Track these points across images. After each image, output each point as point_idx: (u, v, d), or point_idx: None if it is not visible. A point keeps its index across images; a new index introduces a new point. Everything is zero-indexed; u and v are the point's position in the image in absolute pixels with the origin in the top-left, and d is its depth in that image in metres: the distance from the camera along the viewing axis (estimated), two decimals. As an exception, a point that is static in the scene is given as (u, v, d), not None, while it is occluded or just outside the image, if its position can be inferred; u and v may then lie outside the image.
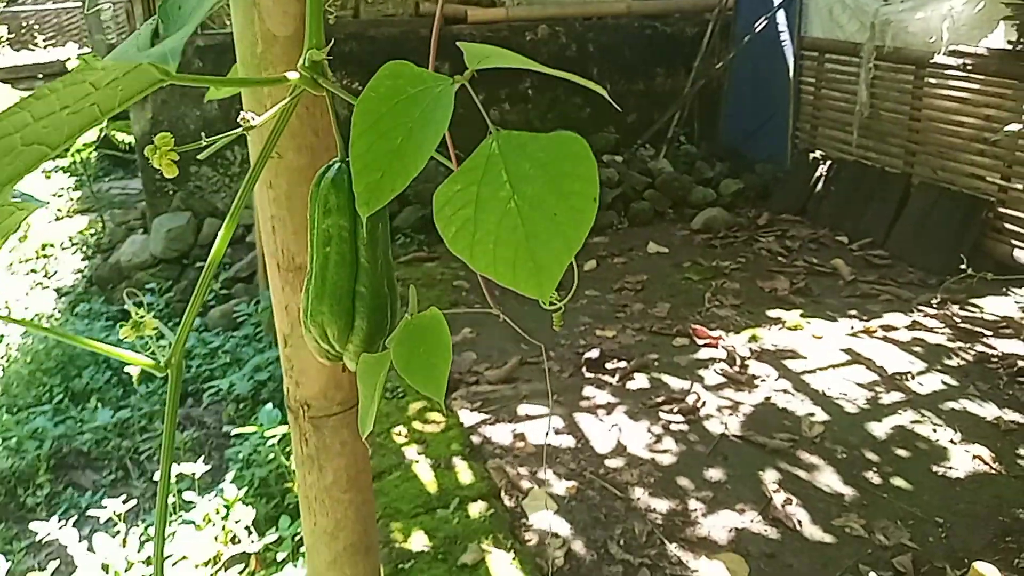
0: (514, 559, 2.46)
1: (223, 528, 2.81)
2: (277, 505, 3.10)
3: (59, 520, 2.85)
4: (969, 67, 4.69)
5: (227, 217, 0.81)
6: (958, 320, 4.05)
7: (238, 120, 0.76)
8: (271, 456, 3.17)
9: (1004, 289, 4.37)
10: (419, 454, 3.02)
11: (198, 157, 2.25)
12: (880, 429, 3.19)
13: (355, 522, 1.43)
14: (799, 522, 2.68)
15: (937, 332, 3.96)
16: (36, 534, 2.81)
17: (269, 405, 3.29)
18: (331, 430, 1.34)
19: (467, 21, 6.13)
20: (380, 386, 0.76)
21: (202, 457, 3.43)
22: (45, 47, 11.13)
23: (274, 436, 3.13)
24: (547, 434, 3.19)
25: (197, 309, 0.94)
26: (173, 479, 2.86)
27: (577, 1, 6.60)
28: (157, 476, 2.90)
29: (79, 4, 10.98)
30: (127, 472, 3.52)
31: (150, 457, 3.58)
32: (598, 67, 6.50)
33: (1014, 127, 4.42)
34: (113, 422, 3.64)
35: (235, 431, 3.38)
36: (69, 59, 7.01)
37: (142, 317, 1.01)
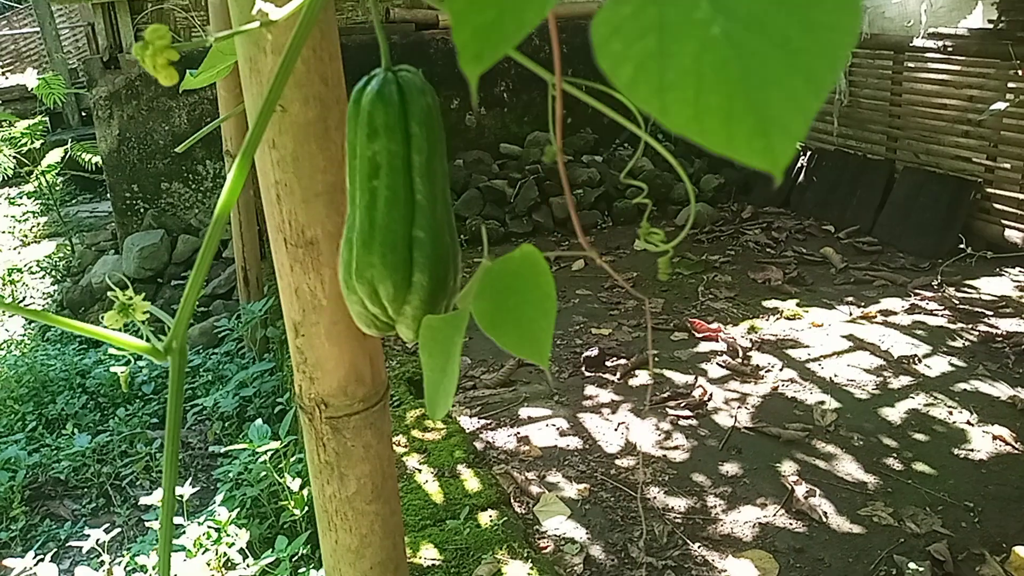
0: (532, 568, 2.32)
1: (216, 553, 2.64)
2: (272, 525, 2.93)
3: (36, 554, 2.66)
4: (949, 49, 4.65)
5: (228, 182, 0.67)
6: (956, 302, 3.98)
7: (252, 14, 0.62)
8: (263, 474, 3.00)
9: (997, 269, 4.32)
10: (421, 464, 2.87)
11: (176, 151, 2.08)
12: (894, 414, 3.09)
13: (383, 537, 1.28)
14: (824, 514, 2.57)
15: (937, 314, 3.88)
16: (11, 571, 2.62)
17: (258, 421, 3.12)
18: (353, 432, 1.19)
19: (439, 26, 6.01)
20: (455, 355, 0.61)
21: (189, 479, 3.25)
22: (4, 74, 10.85)
23: (265, 453, 2.97)
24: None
25: (201, 282, 0.80)
26: (158, 503, 2.68)
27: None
28: (142, 501, 2.73)
29: (37, 30, 10.72)
30: (108, 499, 3.33)
31: (133, 482, 3.39)
32: (573, 68, 6.38)
33: (999, 106, 4.38)
34: (91, 447, 3.44)
35: (223, 450, 3.20)
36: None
37: (130, 299, 0.87)
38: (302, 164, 1.05)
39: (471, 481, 2.74)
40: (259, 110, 0.70)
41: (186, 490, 2.85)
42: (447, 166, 0.73)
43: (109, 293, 0.87)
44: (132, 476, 3.40)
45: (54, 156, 6.14)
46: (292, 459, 2.94)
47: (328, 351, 1.12)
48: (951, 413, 3.08)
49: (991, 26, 4.47)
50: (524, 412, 3.26)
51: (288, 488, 2.83)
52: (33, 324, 4.95)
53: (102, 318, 0.89)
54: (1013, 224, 4.44)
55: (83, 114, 9.30)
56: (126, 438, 3.58)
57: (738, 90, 0.36)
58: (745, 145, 0.37)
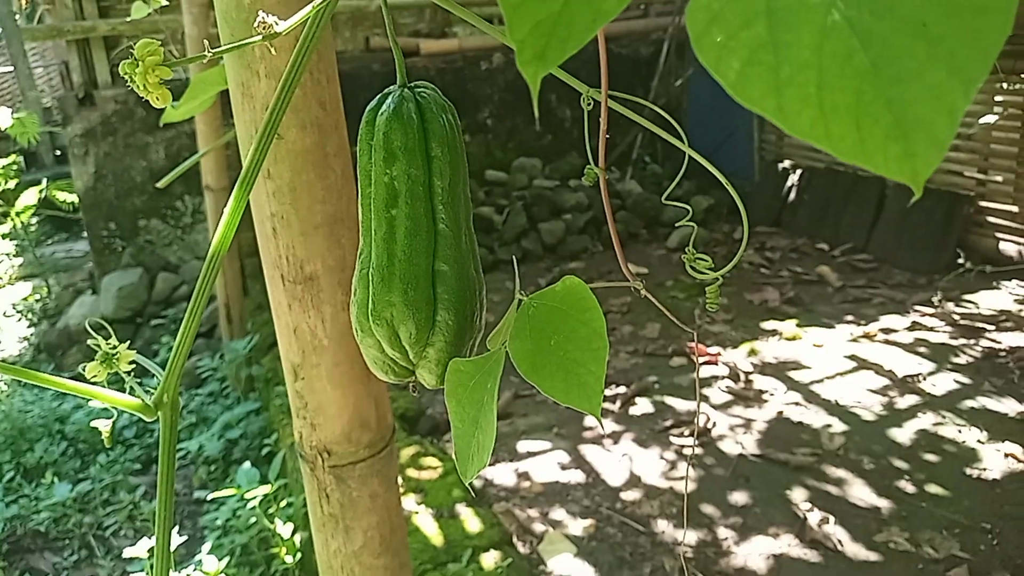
0: (540, 612, 2.20)
1: (206, 606, 2.50)
2: (263, 574, 2.79)
3: (17, 614, 2.51)
4: (935, 63, 4.64)
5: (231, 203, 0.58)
6: (957, 317, 3.92)
7: (255, 27, 0.53)
8: (252, 520, 2.87)
9: (995, 283, 4.28)
10: (418, 504, 2.75)
11: (158, 186, 1.96)
12: (903, 435, 3.01)
13: (391, 592, 1.18)
14: (839, 542, 2.47)
15: (938, 331, 3.82)
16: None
17: (247, 464, 2.99)
18: (358, 481, 1.09)
19: (419, 53, 5.96)
20: (491, 404, 0.52)
21: (175, 528, 3.11)
22: (-25, 113, 10.70)
23: (254, 498, 2.84)
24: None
25: (195, 328, 0.71)
26: (144, 553, 2.55)
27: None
28: (127, 552, 2.59)
29: (11, 69, 10.61)
30: (91, 551, 3.18)
31: (116, 532, 3.24)
32: (556, 93, 6.37)
33: (989, 119, 4.36)
34: (72, 497, 3.30)
35: (209, 496, 3.07)
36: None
37: (114, 348, 0.77)
38: (300, 194, 0.96)
39: (471, 521, 2.62)
40: (257, 136, 0.61)
41: (172, 539, 2.72)
42: (469, 190, 0.64)
43: (90, 342, 0.77)
44: (115, 526, 3.26)
45: (29, 197, 6.01)
46: (282, 503, 2.82)
47: (330, 395, 1.02)
48: (960, 431, 3.00)
49: (975, 40, 4.46)
50: (523, 446, 3.16)
51: (279, 534, 2.71)
52: (9, 369, 4.79)
53: (83, 368, 0.79)
54: (1008, 237, 4.40)
55: (58, 153, 9.17)
56: (108, 486, 3.44)
57: (868, 86, 0.30)
58: (880, 151, 0.31)
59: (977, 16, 0.28)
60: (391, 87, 0.60)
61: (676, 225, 4.75)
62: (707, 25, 0.31)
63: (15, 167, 6.22)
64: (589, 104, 0.67)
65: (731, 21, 0.31)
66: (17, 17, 9.02)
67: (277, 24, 0.52)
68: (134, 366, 0.78)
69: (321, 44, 0.96)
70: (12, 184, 6.08)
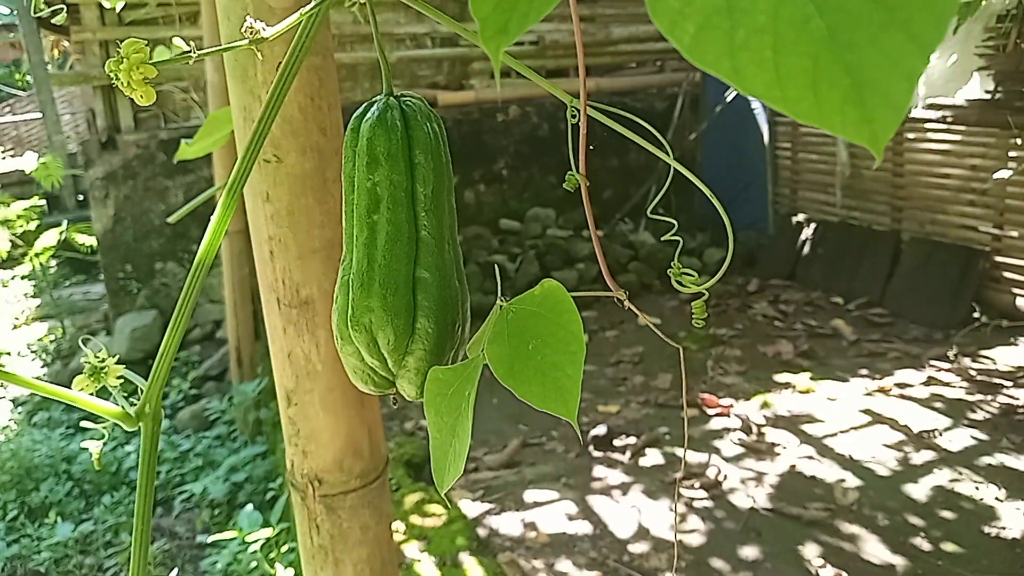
0: (542, 665, 2.14)
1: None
2: (262, 621, 2.74)
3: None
4: (949, 119, 4.65)
5: (219, 207, 0.58)
6: (973, 373, 3.86)
7: (241, 31, 0.53)
8: (253, 564, 2.83)
9: (1012, 339, 4.22)
10: (421, 551, 2.70)
11: (168, 221, 1.97)
12: (918, 491, 2.94)
13: (381, 629, 1.14)
14: (853, 600, 2.40)
15: (954, 386, 3.76)
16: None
17: (249, 507, 2.96)
18: (349, 512, 1.06)
19: (437, 105, 6.05)
20: (468, 411, 0.50)
21: (175, 571, 3.07)
22: (4, 158, 10.95)
23: (256, 541, 2.80)
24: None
25: (179, 338, 0.70)
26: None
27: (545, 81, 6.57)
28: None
29: (39, 116, 10.86)
30: (90, 594, 3.14)
31: (116, 574, 3.20)
32: (570, 146, 6.42)
33: (1003, 174, 4.34)
34: (74, 537, 3.27)
35: (211, 538, 3.03)
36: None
37: (102, 361, 0.76)
38: (298, 218, 0.96)
39: (474, 571, 2.57)
40: (245, 145, 0.61)
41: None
42: (454, 201, 0.63)
43: (83, 359, 0.77)
44: (116, 567, 3.22)
45: (49, 238, 6.08)
46: (283, 548, 2.77)
47: (323, 421, 1.01)
48: (978, 488, 2.93)
49: (989, 96, 4.47)
50: (530, 495, 3.11)
51: (280, 580, 2.66)
52: (20, 409, 4.80)
53: (80, 343, 0.78)
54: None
55: (80, 197, 9.32)
56: (111, 527, 3.40)
57: (825, 51, 0.30)
58: (837, 115, 0.30)
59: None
60: (378, 96, 0.60)
61: (662, 239, 4.74)
62: (663, -9, 0.30)
63: (37, 209, 6.31)
64: (574, 116, 0.67)
65: (686, -12, 0.29)
66: (49, 66, 9.27)
67: (264, 30, 0.52)
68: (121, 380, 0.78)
69: (323, 72, 0.97)
70: (33, 226, 6.17)
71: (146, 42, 0.49)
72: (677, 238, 0.75)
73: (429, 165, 0.58)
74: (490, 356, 0.50)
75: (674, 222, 0.75)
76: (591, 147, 0.70)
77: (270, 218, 0.96)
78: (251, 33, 0.52)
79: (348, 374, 0.61)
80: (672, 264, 0.64)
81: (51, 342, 5.80)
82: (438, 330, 0.57)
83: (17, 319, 6.47)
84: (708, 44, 0.30)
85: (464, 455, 0.51)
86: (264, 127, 0.59)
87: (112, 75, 0.48)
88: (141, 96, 0.48)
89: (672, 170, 0.77)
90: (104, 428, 0.85)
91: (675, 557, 2.58)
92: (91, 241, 6.06)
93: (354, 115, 0.61)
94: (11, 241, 6.12)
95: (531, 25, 0.32)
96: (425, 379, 0.56)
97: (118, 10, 4.79)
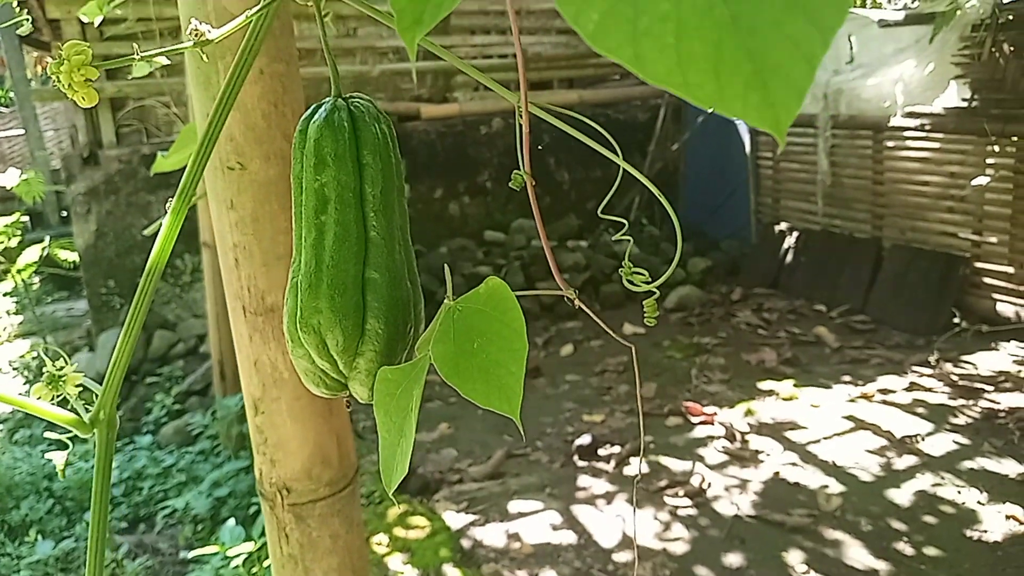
0: (525, 676, 2.13)
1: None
2: (245, 636, 2.72)
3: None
4: (927, 127, 4.70)
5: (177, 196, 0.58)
6: (955, 378, 3.89)
7: (188, 34, 0.53)
8: (235, 580, 2.80)
9: (992, 343, 4.25)
10: (404, 564, 2.69)
11: (144, 233, 1.97)
12: (901, 496, 2.95)
13: (353, 638, 1.14)
14: (836, 605, 2.40)
15: (937, 391, 3.78)
16: None
17: (231, 521, 2.94)
18: (319, 520, 1.06)
19: (420, 118, 6.06)
20: (413, 410, 0.51)
21: (157, 588, 3.04)
22: (-16, 175, 10.87)
23: (238, 555, 2.78)
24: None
25: (134, 340, 0.70)
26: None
27: (529, 93, 6.59)
28: (104, 613, 2.53)
29: (22, 132, 10.81)
30: (70, 613, 3.10)
31: (97, 593, 3.16)
32: (555, 157, 6.45)
33: (982, 180, 4.39)
34: (55, 555, 3.23)
35: (192, 554, 3.01)
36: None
37: (60, 369, 0.76)
38: (262, 225, 0.96)
39: (459, 581, 2.56)
40: (196, 147, 0.61)
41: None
42: (405, 202, 0.64)
43: (45, 369, 0.76)
44: (97, 586, 3.18)
45: (32, 254, 6.04)
46: (265, 563, 2.75)
47: (291, 430, 1.00)
48: (960, 492, 2.94)
49: (966, 104, 4.52)
50: (514, 506, 3.10)
51: (262, 594, 2.64)
52: (1, 427, 4.76)
53: (32, 347, 0.78)
54: (1004, 298, 4.39)
55: (63, 213, 9.27)
56: (92, 544, 3.37)
57: (728, 36, 0.30)
58: (739, 99, 0.31)
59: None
60: (326, 98, 0.61)
61: (614, 239, 4.75)
62: (570, -21, 0.30)
63: (19, 225, 6.27)
64: (520, 116, 0.67)
65: (592, -23, 0.30)
66: (32, 82, 9.23)
67: (210, 32, 0.53)
68: (80, 388, 0.77)
69: (287, 78, 0.97)
70: (15, 242, 6.13)
71: (88, 45, 0.49)
72: (628, 237, 0.76)
73: (377, 165, 0.58)
74: (435, 355, 0.51)
75: (625, 222, 0.76)
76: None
77: (235, 225, 0.96)
78: (196, 35, 0.52)
79: (300, 377, 0.61)
80: (623, 263, 0.64)
81: (33, 359, 5.76)
82: (388, 331, 0.57)
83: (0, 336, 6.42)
84: (611, 31, 0.30)
85: (409, 453, 0.51)
86: (215, 129, 0.59)
87: (53, 77, 0.48)
88: (83, 98, 0.48)
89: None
90: (67, 439, 0.84)
91: (635, 560, 2.57)
92: (74, 257, 6.03)
93: (302, 117, 0.61)
94: (-8, 258, 6.08)
95: (443, 16, 0.32)
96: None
97: (96, 25, 4.79)
